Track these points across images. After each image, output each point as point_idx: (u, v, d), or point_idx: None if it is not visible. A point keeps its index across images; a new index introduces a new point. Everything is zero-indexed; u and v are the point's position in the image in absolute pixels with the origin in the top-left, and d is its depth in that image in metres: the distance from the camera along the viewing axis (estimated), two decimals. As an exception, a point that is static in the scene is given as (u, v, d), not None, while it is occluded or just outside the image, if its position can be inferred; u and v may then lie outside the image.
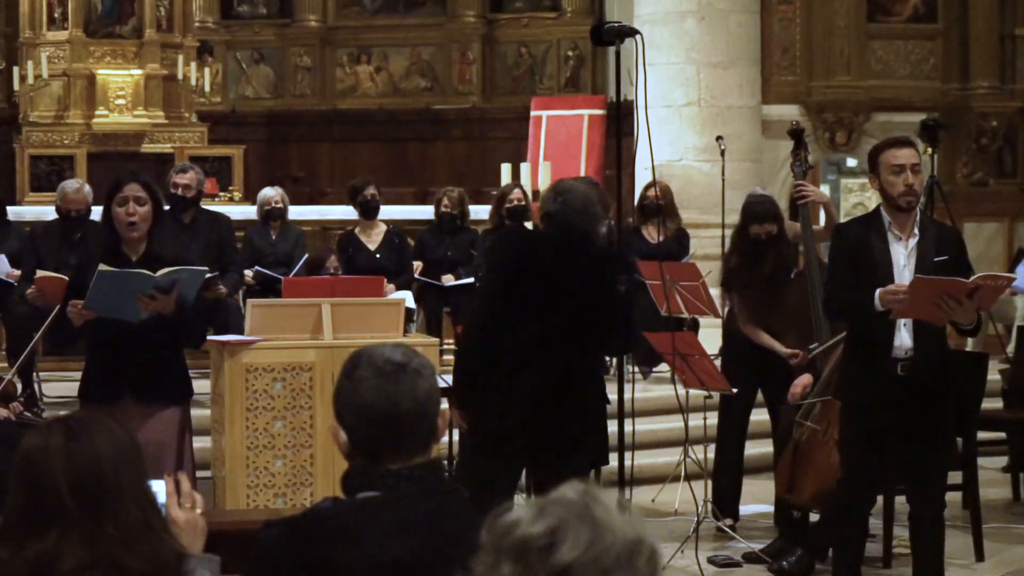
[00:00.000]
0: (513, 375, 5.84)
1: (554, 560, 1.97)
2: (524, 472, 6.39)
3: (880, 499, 7.39)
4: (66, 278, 8.81)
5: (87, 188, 10.05)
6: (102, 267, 5.74)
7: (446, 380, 6.28)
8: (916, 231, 6.11)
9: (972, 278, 5.90)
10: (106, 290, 5.75)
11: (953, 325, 6.06)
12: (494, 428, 5.84)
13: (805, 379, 7.38)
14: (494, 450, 5.85)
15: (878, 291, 5.91)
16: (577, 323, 5.87)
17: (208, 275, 9.18)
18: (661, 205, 10.58)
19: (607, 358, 8.91)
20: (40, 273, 9.21)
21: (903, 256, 6.08)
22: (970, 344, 11.84)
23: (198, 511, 3.12)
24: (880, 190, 6.17)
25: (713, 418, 8.31)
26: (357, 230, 10.94)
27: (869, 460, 6.19)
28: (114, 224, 5.98)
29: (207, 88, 15.51)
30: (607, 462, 7.21)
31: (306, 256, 10.47)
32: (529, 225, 10.09)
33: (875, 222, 6.17)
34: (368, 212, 10.85)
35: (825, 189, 16.82)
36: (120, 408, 5.82)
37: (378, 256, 10.73)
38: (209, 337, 7.68)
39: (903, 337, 6.07)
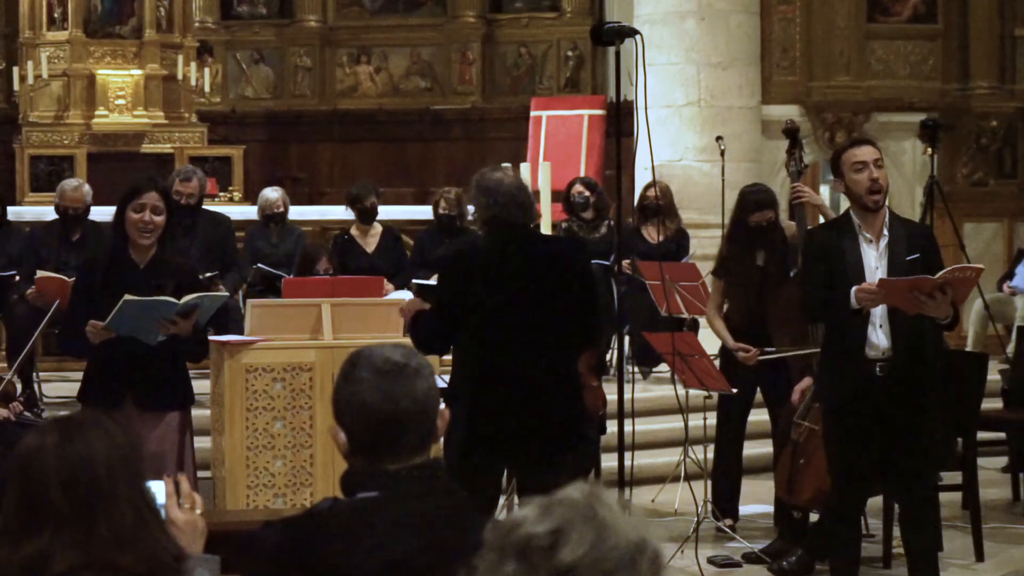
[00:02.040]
0: (481, 382, 5.83)
1: (557, 560, 1.97)
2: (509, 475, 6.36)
3: (879, 499, 7.40)
4: (65, 278, 8.85)
5: (86, 187, 10.06)
6: (128, 297, 5.74)
7: (445, 380, 6.28)
8: (886, 232, 6.11)
9: (939, 273, 5.91)
10: (130, 315, 5.77)
11: (930, 319, 6.05)
12: (470, 435, 5.80)
13: (805, 383, 7.39)
14: (471, 456, 5.82)
15: (853, 288, 5.93)
16: (542, 321, 5.82)
17: (208, 275, 9.25)
18: (661, 205, 10.57)
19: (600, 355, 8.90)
20: (40, 273, 9.22)
21: (874, 258, 6.08)
22: (970, 344, 11.85)
23: (198, 512, 3.12)
24: (847, 192, 6.19)
25: (713, 418, 8.31)
26: (353, 231, 10.93)
27: (854, 461, 6.19)
28: (125, 227, 5.97)
29: (207, 88, 15.51)
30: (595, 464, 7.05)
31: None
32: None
33: (845, 225, 6.17)
34: (365, 218, 10.85)
35: (825, 189, 16.80)
36: (121, 412, 5.82)
37: (375, 257, 10.72)
38: (209, 337, 7.68)
39: (880, 337, 6.07)
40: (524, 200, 5.91)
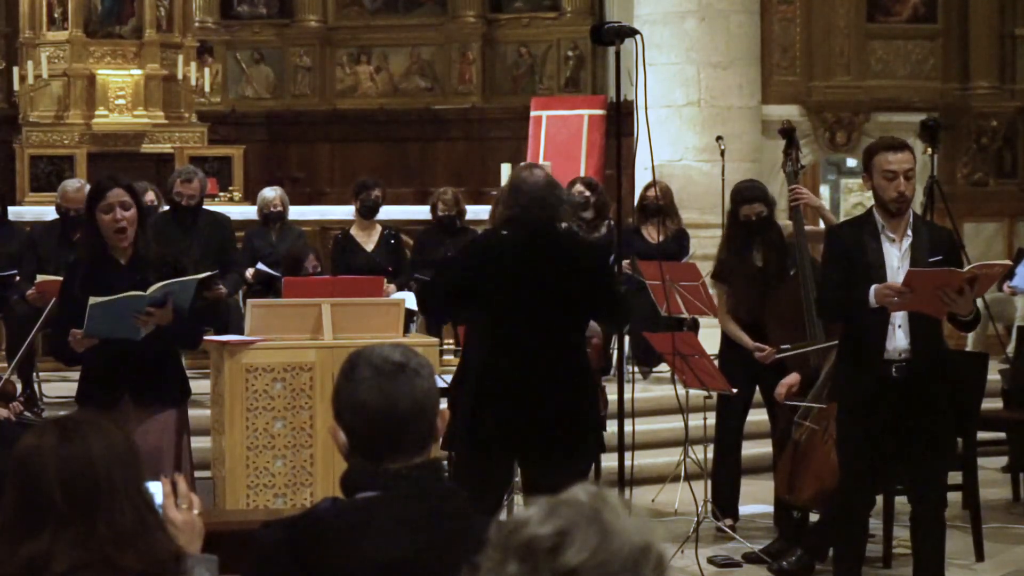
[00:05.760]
0: (494, 376, 5.83)
1: (560, 562, 1.96)
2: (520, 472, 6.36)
3: (880, 499, 7.39)
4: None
5: (88, 188, 10.05)
6: (93, 300, 5.72)
7: (445, 380, 6.30)
8: (909, 232, 6.11)
9: (967, 267, 5.91)
10: (102, 318, 5.75)
11: (951, 319, 6.05)
12: (479, 430, 5.82)
13: (792, 378, 7.38)
14: (480, 451, 5.83)
15: (873, 287, 5.91)
16: (559, 319, 5.84)
17: (208, 275, 9.24)
18: (661, 205, 10.57)
19: (607, 352, 8.92)
20: (40, 278, 9.21)
21: (896, 258, 6.08)
22: (970, 344, 11.85)
23: (195, 512, 3.12)
24: (873, 191, 6.17)
25: (713, 418, 8.30)
26: (353, 230, 10.93)
27: (866, 462, 6.18)
28: (99, 229, 5.96)
29: (207, 88, 15.51)
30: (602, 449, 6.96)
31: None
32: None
33: (868, 224, 6.16)
34: (367, 212, 10.86)
35: (825, 189, 16.83)
36: (119, 411, 5.83)
37: (375, 256, 10.73)
38: (209, 337, 7.69)
39: (899, 338, 6.06)
40: (550, 200, 5.90)
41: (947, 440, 6.35)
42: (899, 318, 6.04)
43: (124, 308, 5.77)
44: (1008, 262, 6.49)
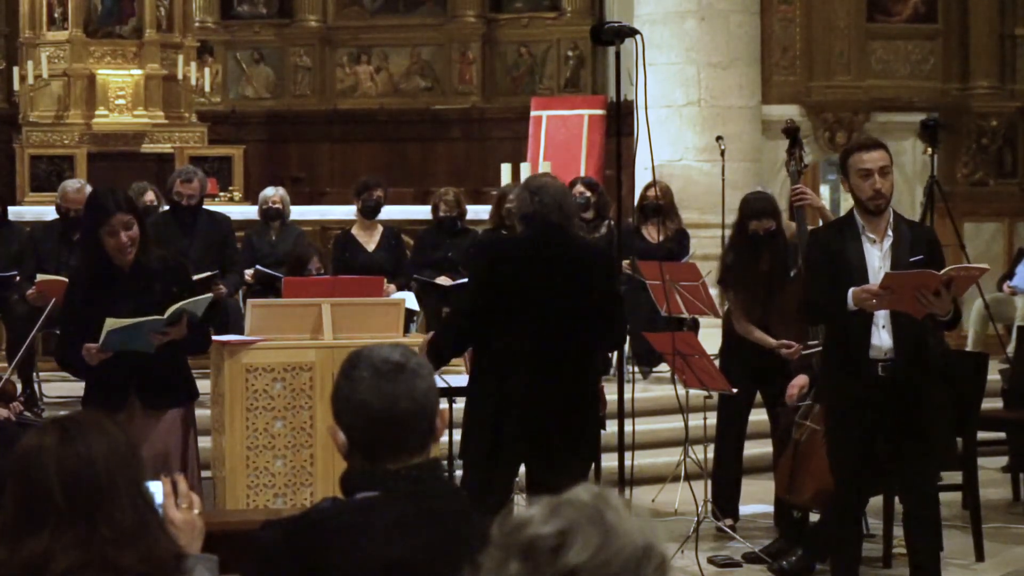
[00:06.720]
0: (504, 378, 5.84)
1: (562, 562, 1.96)
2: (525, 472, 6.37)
3: (879, 499, 7.40)
4: (66, 279, 8.84)
5: (88, 188, 10.05)
6: (110, 323, 5.75)
7: (445, 380, 6.31)
8: (890, 232, 6.12)
9: (944, 270, 5.91)
10: (118, 337, 5.79)
11: (931, 318, 6.05)
12: (488, 430, 5.84)
13: (801, 380, 7.38)
14: (489, 452, 5.85)
15: (851, 290, 5.92)
16: (569, 321, 5.86)
17: (208, 274, 9.24)
18: (661, 205, 10.57)
19: (607, 354, 8.91)
20: (41, 277, 9.21)
21: (878, 258, 6.08)
22: (970, 344, 11.85)
23: (195, 511, 3.12)
24: (851, 193, 6.19)
25: (713, 418, 8.31)
26: (355, 230, 10.93)
27: (856, 462, 6.19)
28: (101, 246, 5.95)
29: (207, 88, 15.52)
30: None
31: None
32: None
33: (848, 225, 6.17)
34: (368, 212, 10.86)
35: (825, 189, 16.82)
36: (126, 414, 5.84)
37: (375, 256, 10.73)
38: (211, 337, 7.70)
39: (883, 338, 6.07)
40: (566, 205, 6.01)
41: (937, 437, 6.34)
42: (882, 318, 6.05)
43: (143, 329, 5.82)
44: (986, 266, 6.49)
